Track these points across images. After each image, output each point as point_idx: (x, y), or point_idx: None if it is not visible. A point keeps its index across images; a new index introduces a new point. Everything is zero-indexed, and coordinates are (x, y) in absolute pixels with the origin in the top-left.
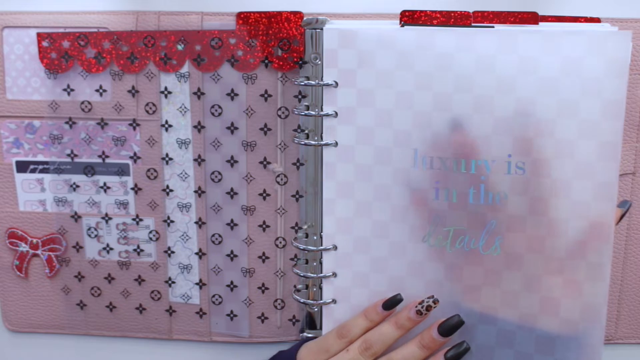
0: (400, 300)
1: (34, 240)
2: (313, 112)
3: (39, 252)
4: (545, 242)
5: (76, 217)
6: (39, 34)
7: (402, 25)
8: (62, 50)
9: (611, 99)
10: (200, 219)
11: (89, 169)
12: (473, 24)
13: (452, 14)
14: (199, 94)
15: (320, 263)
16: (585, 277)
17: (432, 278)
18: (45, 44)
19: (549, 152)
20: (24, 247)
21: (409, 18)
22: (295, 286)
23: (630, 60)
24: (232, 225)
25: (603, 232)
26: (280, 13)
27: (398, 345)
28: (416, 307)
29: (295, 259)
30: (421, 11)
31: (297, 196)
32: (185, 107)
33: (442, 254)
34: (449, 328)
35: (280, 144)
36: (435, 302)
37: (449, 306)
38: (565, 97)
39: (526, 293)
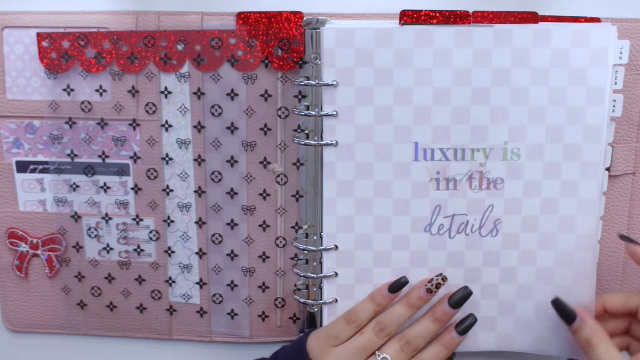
0: (406, 282)
1: (34, 240)
2: (313, 112)
3: (39, 252)
4: (539, 220)
5: (76, 217)
6: (38, 34)
7: (402, 25)
8: (62, 50)
9: (595, 86)
10: (200, 219)
11: (89, 169)
12: (473, 24)
13: (452, 14)
14: (199, 94)
15: (320, 263)
16: (575, 247)
17: (434, 266)
18: (45, 43)
19: (541, 138)
20: (24, 247)
21: (409, 18)
22: (295, 285)
23: (630, 60)
24: (232, 225)
25: (589, 207)
26: (280, 13)
27: (406, 324)
28: (426, 285)
29: (296, 259)
30: (421, 11)
31: (297, 196)
32: (185, 107)
33: (444, 242)
34: (458, 300)
35: (280, 144)
36: (444, 279)
37: (452, 288)
38: (554, 85)
39: (523, 267)
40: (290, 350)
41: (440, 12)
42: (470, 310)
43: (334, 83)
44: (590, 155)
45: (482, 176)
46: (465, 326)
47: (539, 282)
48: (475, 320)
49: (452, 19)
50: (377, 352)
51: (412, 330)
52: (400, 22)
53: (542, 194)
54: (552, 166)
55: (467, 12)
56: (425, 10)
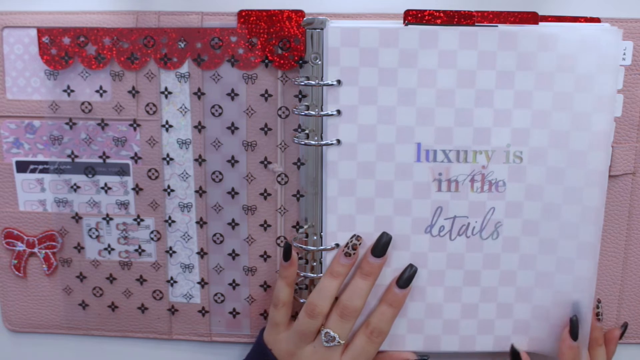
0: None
1: (30, 239)
2: (313, 112)
3: (35, 250)
4: (540, 225)
5: (77, 217)
6: (39, 30)
7: (406, 24)
8: (62, 47)
9: (602, 93)
10: (201, 219)
11: (89, 170)
12: (477, 24)
13: (456, 14)
14: (199, 94)
15: (320, 263)
16: (577, 255)
17: (434, 267)
18: (45, 40)
19: (544, 142)
20: (20, 247)
21: (413, 17)
22: (297, 284)
23: (632, 61)
24: (233, 224)
25: (593, 215)
26: (282, 11)
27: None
28: (344, 251)
29: None
30: (425, 10)
31: (297, 196)
32: (185, 107)
33: (445, 244)
34: (406, 279)
35: (280, 144)
36: (358, 238)
37: (451, 291)
38: (559, 90)
39: (522, 271)
40: (252, 350)
41: (444, 12)
42: (469, 313)
43: (334, 83)
44: (595, 163)
45: (484, 178)
46: (405, 278)
47: (538, 285)
48: (414, 270)
49: (456, 19)
50: (322, 329)
51: (374, 318)
52: (404, 22)
53: (545, 198)
54: (555, 171)
55: (471, 12)
56: (429, 10)
